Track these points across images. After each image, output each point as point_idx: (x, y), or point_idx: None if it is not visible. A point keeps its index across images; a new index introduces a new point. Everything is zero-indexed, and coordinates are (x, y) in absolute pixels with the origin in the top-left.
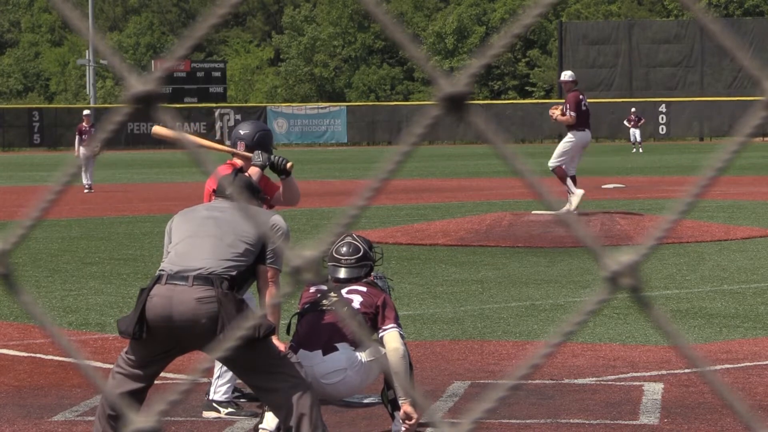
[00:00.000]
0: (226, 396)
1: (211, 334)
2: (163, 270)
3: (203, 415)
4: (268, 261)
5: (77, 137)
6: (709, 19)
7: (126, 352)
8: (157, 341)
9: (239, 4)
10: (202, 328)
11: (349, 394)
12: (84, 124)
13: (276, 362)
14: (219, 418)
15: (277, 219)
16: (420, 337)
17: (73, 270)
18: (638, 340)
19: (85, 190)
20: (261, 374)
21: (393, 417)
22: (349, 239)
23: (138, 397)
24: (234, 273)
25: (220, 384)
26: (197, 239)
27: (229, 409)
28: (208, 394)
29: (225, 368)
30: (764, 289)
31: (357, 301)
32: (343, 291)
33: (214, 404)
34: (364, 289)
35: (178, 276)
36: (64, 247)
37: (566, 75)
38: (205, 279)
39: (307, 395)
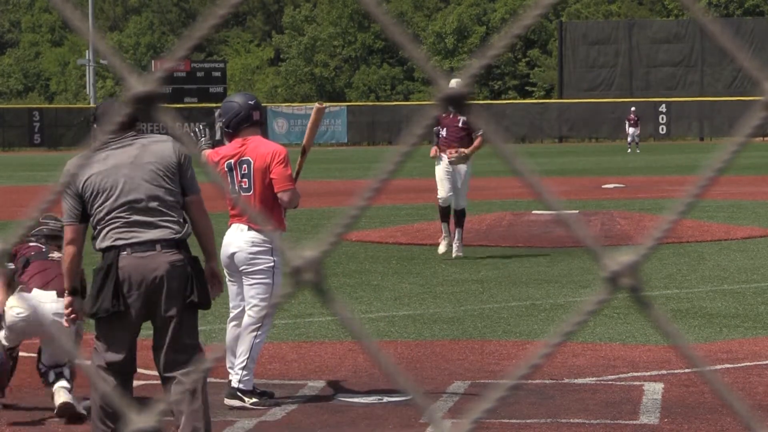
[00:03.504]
0: (251, 386)
1: (180, 296)
2: (121, 240)
3: (225, 402)
4: (191, 190)
5: None
6: (708, 20)
7: (95, 348)
8: (126, 314)
9: (239, 4)
10: (173, 290)
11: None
12: None
13: (195, 336)
14: (243, 407)
15: (177, 146)
16: (420, 336)
17: None
18: (638, 340)
19: None
20: (180, 346)
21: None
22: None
23: (127, 387)
24: (186, 225)
25: (245, 374)
26: (136, 201)
27: (254, 399)
28: (230, 382)
29: (250, 358)
30: (764, 289)
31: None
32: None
33: (239, 393)
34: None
35: (143, 245)
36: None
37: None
38: (170, 243)
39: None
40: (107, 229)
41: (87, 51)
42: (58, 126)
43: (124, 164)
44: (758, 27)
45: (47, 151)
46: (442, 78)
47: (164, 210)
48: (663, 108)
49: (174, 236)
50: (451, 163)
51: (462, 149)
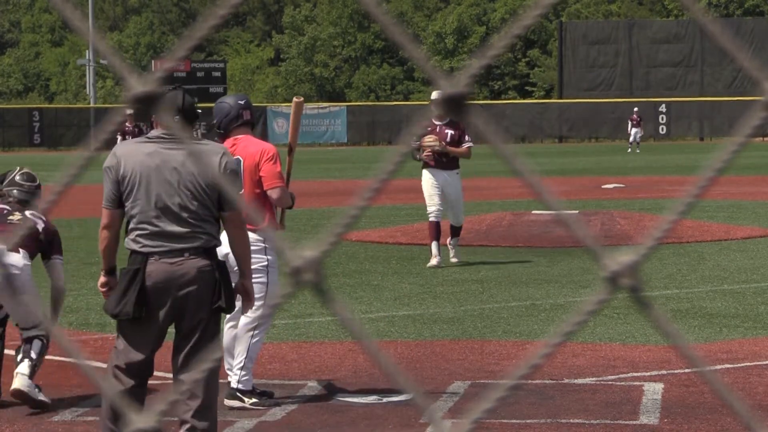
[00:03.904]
0: (250, 386)
1: (208, 302)
2: (148, 248)
3: (225, 403)
4: (229, 206)
5: (120, 138)
6: (708, 20)
7: (116, 347)
8: (152, 319)
9: (239, 4)
10: (201, 297)
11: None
12: (127, 123)
13: (213, 344)
14: (243, 407)
15: (223, 159)
16: (420, 336)
17: (73, 270)
18: (638, 340)
19: None
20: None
21: None
22: (26, 169)
23: (139, 391)
24: (216, 236)
25: (244, 374)
26: (168, 210)
27: (254, 399)
28: (229, 382)
29: (248, 358)
30: (764, 289)
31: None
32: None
33: (239, 393)
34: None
35: (171, 253)
36: (65, 247)
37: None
38: (197, 250)
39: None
40: (136, 233)
41: (87, 51)
42: (58, 126)
43: (167, 167)
44: (758, 27)
45: (47, 151)
46: (442, 78)
47: (195, 223)
48: (663, 108)
49: (201, 245)
50: (424, 146)
51: (443, 143)
